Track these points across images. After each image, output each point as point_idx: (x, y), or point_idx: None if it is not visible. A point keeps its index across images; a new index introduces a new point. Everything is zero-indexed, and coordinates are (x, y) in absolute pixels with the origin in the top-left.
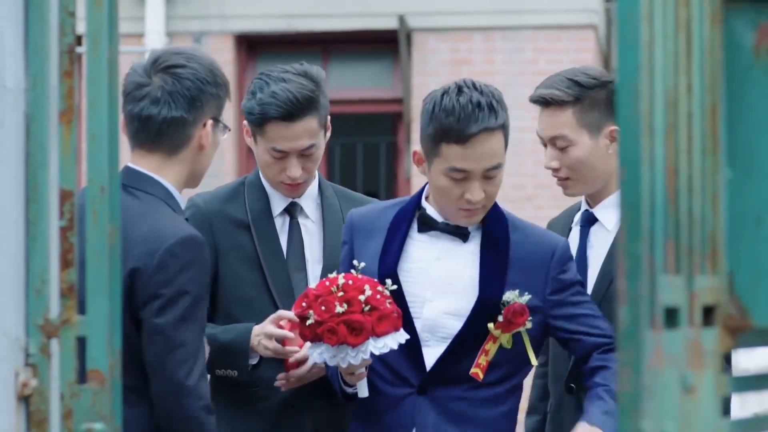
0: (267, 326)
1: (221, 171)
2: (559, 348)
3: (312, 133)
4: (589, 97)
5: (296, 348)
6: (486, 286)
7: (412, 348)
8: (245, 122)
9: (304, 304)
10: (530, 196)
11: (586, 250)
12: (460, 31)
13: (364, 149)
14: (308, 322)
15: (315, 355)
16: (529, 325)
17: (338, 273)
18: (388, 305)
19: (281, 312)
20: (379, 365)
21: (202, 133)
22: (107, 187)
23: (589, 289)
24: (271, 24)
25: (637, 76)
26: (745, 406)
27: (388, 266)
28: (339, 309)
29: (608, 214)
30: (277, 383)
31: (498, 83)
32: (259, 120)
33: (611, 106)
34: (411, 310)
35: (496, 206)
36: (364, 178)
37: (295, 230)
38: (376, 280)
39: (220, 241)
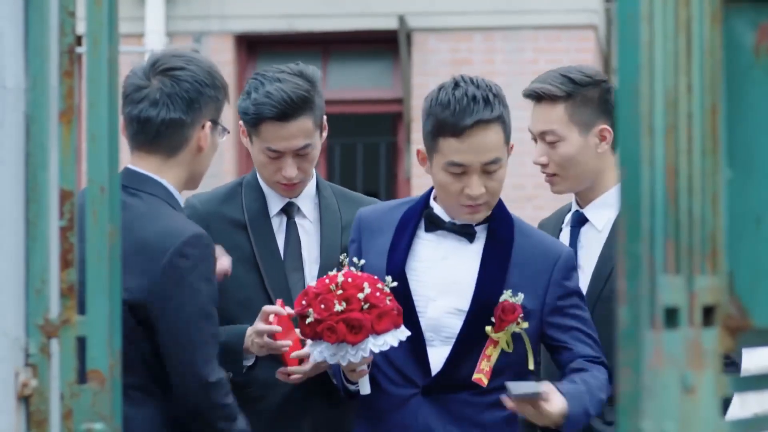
0: (257, 324)
1: (221, 171)
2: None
3: (307, 133)
4: (581, 94)
5: (288, 342)
6: (483, 286)
7: (417, 348)
8: (241, 122)
9: (304, 302)
10: (530, 196)
11: (577, 251)
12: (460, 31)
13: (364, 149)
14: (308, 320)
15: (315, 353)
16: (525, 324)
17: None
18: (388, 302)
19: (266, 307)
20: (384, 365)
21: (201, 135)
22: (107, 187)
23: (583, 290)
24: (271, 24)
25: (637, 76)
26: (745, 406)
27: (395, 265)
28: (338, 307)
29: (598, 214)
30: (278, 376)
31: (498, 83)
32: (254, 120)
33: (603, 105)
34: (417, 309)
35: (503, 207)
36: (364, 178)
37: (292, 230)
38: (376, 277)
39: (217, 241)
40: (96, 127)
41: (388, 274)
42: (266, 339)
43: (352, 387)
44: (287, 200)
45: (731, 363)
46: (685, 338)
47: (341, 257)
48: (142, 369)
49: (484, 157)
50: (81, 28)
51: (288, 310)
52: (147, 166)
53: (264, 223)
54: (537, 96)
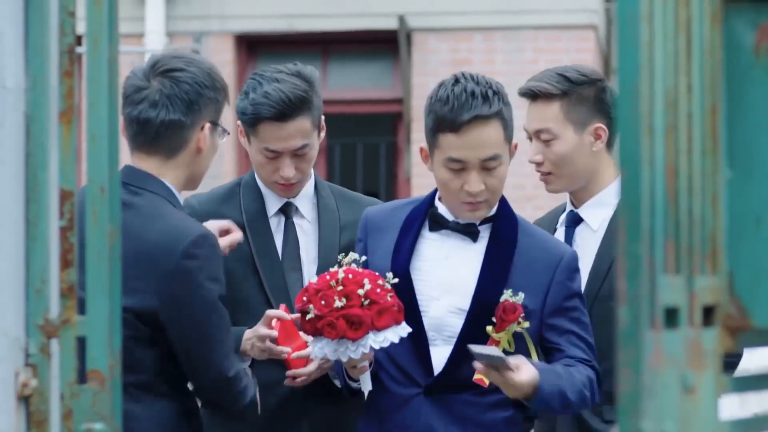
0: (259, 328)
1: (221, 172)
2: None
3: (305, 133)
4: (576, 92)
5: (287, 348)
6: (484, 286)
7: (420, 347)
8: (239, 122)
9: (304, 298)
10: (530, 196)
11: None
12: (460, 31)
13: (364, 149)
14: (308, 316)
15: (316, 349)
16: (526, 324)
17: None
18: (389, 299)
19: (269, 312)
20: (388, 364)
21: (200, 137)
22: (107, 187)
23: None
24: (271, 24)
25: (637, 76)
26: (745, 406)
27: (400, 265)
28: (338, 303)
29: (593, 214)
30: (285, 382)
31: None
32: (251, 120)
33: (599, 104)
34: (420, 308)
35: (507, 207)
36: (364, 178)
37: (290, 230)
38: (377, 274)
39: None
40: (96, 127)
41: (393, 274)
42: (267, 344)
43: (354, 384)
44: (285, 200)
45: (736, 355)
46: (685, 338)
47: (339, 257)
48: (149, 367)
49: (482, 153)
50: (81, 28)
51: (292, 315)
52: (147, 167)
53: (262, 224)
54: (532, 94)
